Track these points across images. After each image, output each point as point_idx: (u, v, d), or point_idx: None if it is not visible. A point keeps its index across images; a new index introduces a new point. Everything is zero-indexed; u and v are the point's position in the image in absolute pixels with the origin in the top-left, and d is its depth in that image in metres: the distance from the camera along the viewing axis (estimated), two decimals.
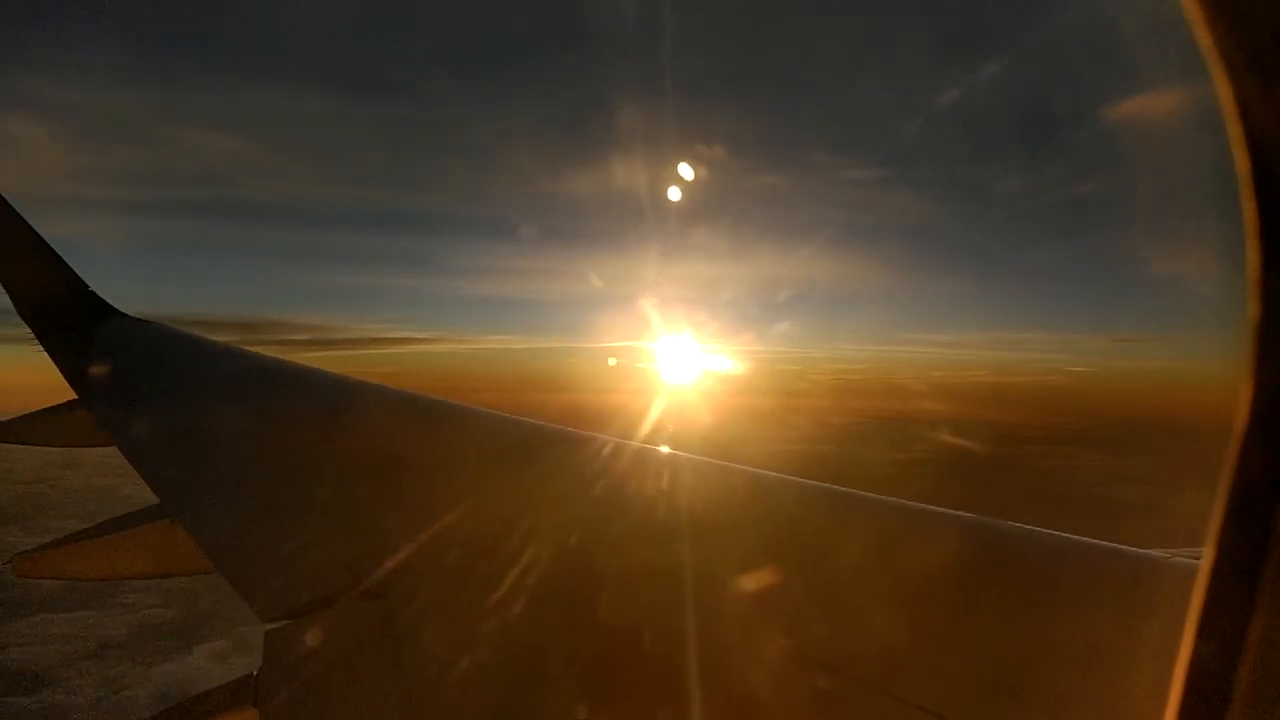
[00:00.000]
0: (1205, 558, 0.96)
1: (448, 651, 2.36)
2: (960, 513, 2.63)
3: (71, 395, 5.21)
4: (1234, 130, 0.89)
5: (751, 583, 2.42)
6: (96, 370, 5.53)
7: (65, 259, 6.41)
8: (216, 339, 6.10)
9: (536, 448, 3.65)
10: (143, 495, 3.67)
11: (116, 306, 6.51)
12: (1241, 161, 0.90)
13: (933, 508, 2.68)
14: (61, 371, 5.48)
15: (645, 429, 3.69)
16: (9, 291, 6.14)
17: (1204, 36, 0.88)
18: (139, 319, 6.50)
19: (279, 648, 2.46)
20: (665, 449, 3.47)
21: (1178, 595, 0.99)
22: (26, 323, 6.06)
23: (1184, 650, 0.97)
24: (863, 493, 2.85)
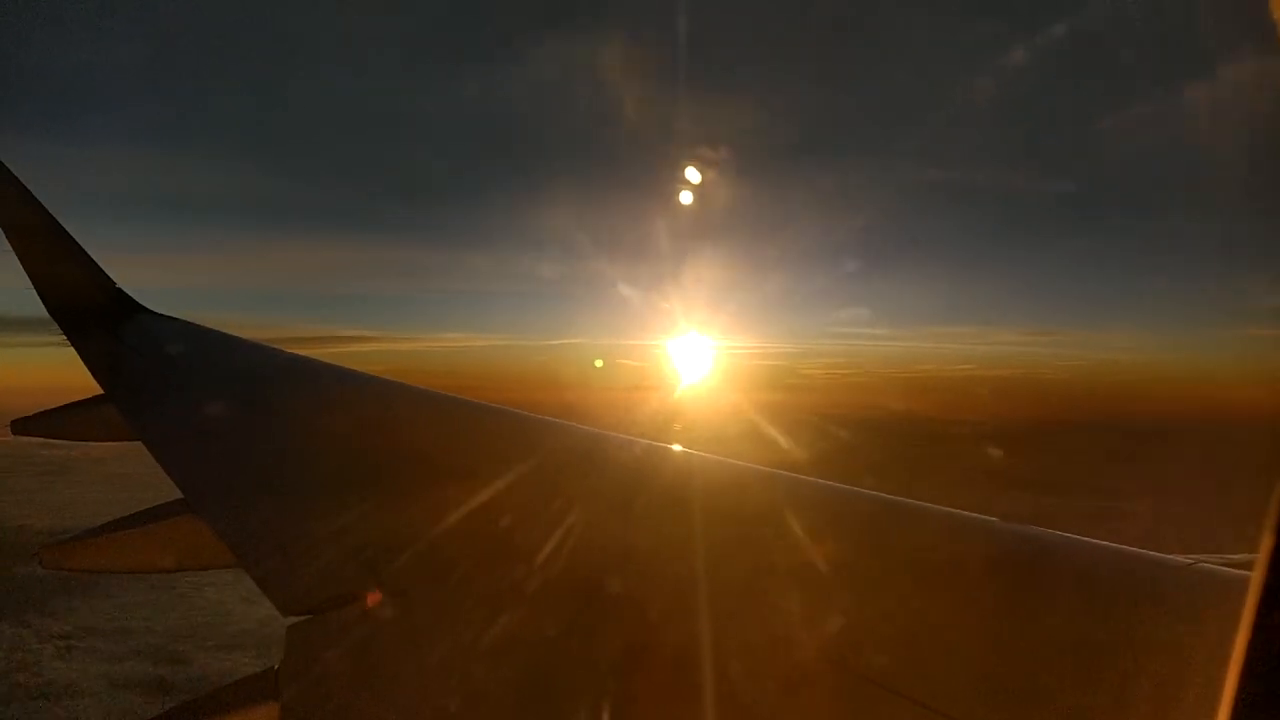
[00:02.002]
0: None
1: (469, 649, 2.36)
2: (975, 514, 2.61)
3: (98, 391, 5.27)
4: None
5: (774, 584, 2.40)
6: (123, 366, 5.59)
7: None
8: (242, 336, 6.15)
9: (559, 445, 3.65)
10: (167, 490, 3.70)
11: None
12: None
13: (946, 509, 2.67)
14: (88, 367, 5.54)
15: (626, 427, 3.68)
16: (38, 289, 6.23)
17: None
18: (165, 316, 6.57)
19: (300, 642, 2.46)
20: (680, 448, 3.46)
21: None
22: (55, 319, 6.15)
23: (1237, 651, 0.93)
24: (876, 493, 2.84)
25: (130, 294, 6.57)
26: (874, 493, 2.87)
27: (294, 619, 2.54)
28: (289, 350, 5.64)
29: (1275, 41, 0.84)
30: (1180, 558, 2.22)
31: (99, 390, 5.27)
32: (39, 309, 6.21)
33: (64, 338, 6.01)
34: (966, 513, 2.65)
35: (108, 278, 6.50)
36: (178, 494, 3.65)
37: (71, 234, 6.32)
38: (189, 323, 6.49)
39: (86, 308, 6.25)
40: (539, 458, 3.58)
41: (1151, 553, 2.27)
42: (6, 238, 6.04)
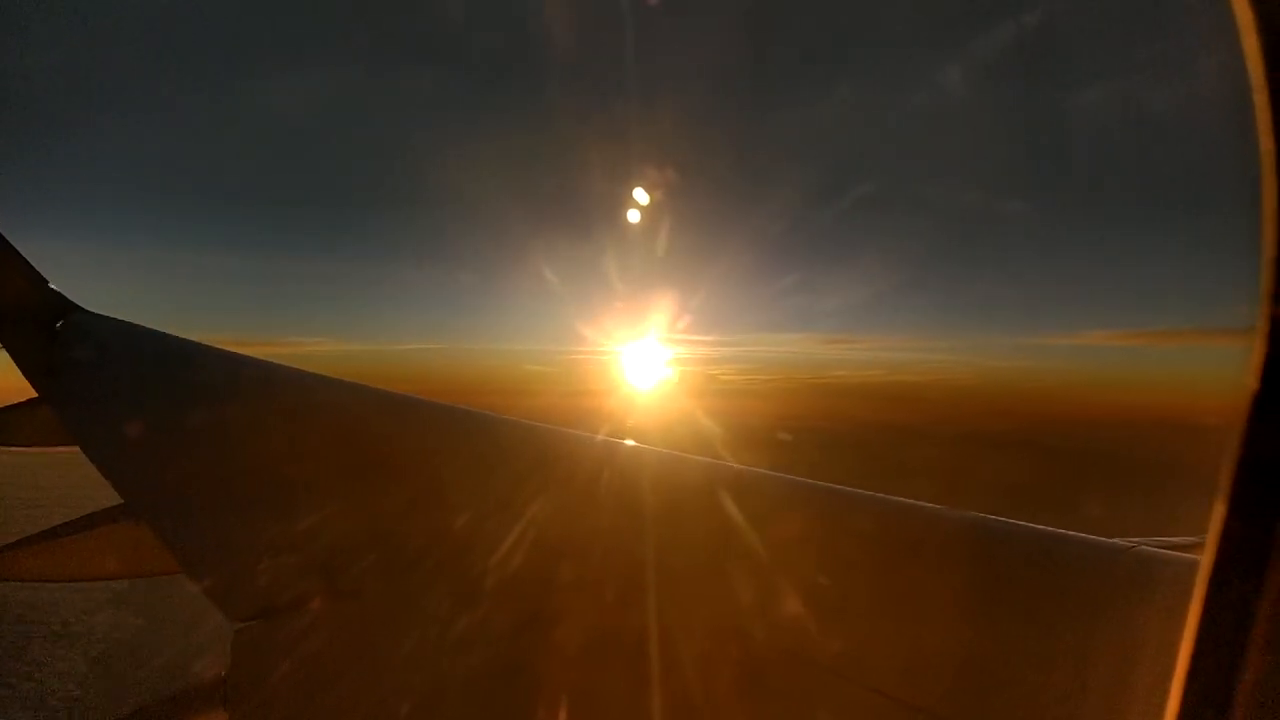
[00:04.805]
0: (1206, 555, 0.94)
1: (421, 652, 2.34)
2: (950, 509, 2.64)
3: (32, 394, 5.10)
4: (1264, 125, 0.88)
5: (740, 581, 2.42)
6: (58, 368, 5.41)
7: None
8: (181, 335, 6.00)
9: (515, 444, 3.63)
10: (107, 495, 3.59)
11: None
12: (1267, 152, 0.88)
13: (919, 503, 2.69)
14: (21, 369, 5.36)
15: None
16: None
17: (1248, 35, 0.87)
18: (101, 315, 6.38)
19: (248, 648, 2.42)
20: (637, 444, 3.46)
21: (1178, 592, 0.97)
22: None
23: (1184, 651, 0.95)
24: (852, 489, 2.85)
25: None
26: (826, 484, 2.89)
27: (240, 624, 2.49)
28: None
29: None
30: (1121, 541, 2.29)
31: (33, 393, 5.11)
32: None
33: None
34: (908, 500, 2.68)
35: (40, 275, 6.28)
36: (118, 499, 3.55)
37: None
38: (127, 322, 6.31)
39: (17, 307, 6.04)
40: (496, 456, 3.55)
41: (1091, 536, 2.33)
42: None
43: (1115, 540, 2.29)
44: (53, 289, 6.30)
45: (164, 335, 6.00)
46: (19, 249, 6.23)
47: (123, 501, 3.52)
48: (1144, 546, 2.19)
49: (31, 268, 6.25)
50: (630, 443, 3.47)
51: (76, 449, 4.32)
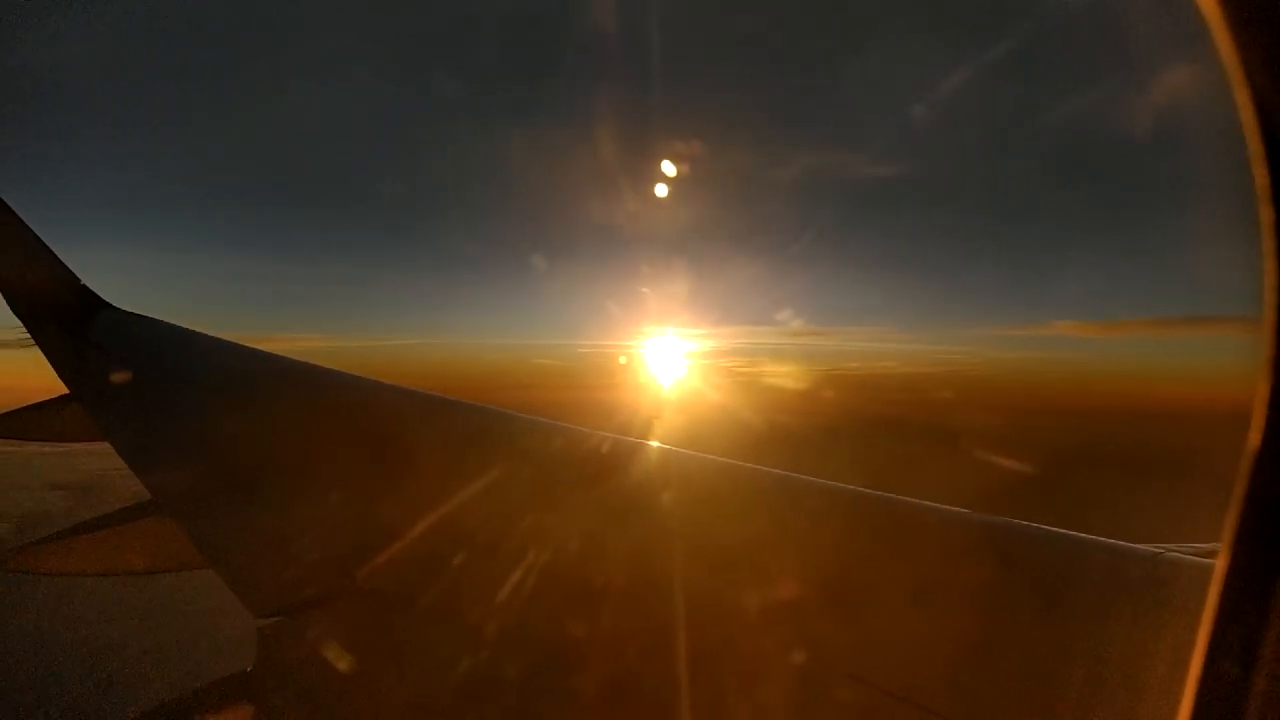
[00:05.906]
0: (1219, 565, 0.94)
1: (441, 648, 2.35)
2: (965, 510, 2.62)
3: (64, 390, 5.18)
4: (1253, 141, 0.87)
5: (757, 582, 2.41)
6: (89, 365, 5.49)
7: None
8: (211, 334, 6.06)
9: (537, 443, 3.63)
10: (136, 491, 3.64)
11: None
12: (1260, 171, 0.88)
13: (935, 504, 2.67)
14: (54, 366, 5.44)
15: None
16: (0, 286, 6.09)
17: (1223, 40, 0.86)
18: (132, 313, 6.46)
19: (272, 644, 2.45)
20: (661, 445, 3.45)
21: (1197, 598, 0.96)
22: (19, 317, 6.02)
23: (1195, 662, 0.94)
24: (872, 491, 2.83)
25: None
26: (845, 486, 2.87)
27: (265, 620, 2.52)
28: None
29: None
30: (1145, 547, 2.26)
31: (65, 390, 5.18)
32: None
33: (28, 337, 5.89)
34: (936, 504, 2.66)
35: (73, 274, 6.38)
36: (146, 495, 3.60)
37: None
38: (157, 320, 6.38)
39: (51, 305, 6.14)
40: (519, 455, 3.56)
41: (1116, 541, 2.31)
42: None
43: (1138, 545, 2.26)
44: (85, 287, 6.40)
45: (193, 333, 6.06)
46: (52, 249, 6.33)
47: (150, 497, 3.56)
48: (1168, 552, 2.17)
49: (64, 266, 6.34)
50: (654, 444, 3.47)
51: (106, 444, 4.38)
